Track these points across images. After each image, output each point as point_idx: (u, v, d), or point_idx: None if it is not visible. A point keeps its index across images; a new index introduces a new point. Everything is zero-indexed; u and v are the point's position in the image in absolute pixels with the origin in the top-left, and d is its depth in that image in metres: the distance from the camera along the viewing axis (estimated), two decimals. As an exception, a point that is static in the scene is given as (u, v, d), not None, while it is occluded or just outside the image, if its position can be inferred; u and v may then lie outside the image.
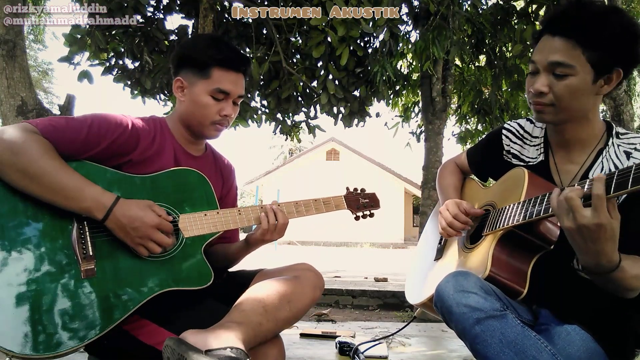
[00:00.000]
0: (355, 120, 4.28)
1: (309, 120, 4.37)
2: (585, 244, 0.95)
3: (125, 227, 1.16)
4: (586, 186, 0.94)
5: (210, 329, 1.05)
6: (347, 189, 1.61)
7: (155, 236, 1.19)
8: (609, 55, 1.09)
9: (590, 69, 1.10)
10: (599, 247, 0.94)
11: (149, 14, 3.65)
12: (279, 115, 4.44)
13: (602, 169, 1.17)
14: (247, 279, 1.42)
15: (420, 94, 5.01)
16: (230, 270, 1.52)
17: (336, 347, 2.09)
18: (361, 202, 1.59)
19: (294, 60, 4.06)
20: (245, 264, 1.55)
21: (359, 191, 1.61)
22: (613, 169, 1.14)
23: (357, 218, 1.60)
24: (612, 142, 1.19)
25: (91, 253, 1.16)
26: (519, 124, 1.39)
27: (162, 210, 1.23)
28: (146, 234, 1.17)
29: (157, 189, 1.29)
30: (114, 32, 3.60)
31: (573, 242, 0.97)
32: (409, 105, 5.82)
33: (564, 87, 1.10)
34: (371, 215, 1.62)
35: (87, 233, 1.17)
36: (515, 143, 1.37)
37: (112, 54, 3.82)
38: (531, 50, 1.28)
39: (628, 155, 1.15)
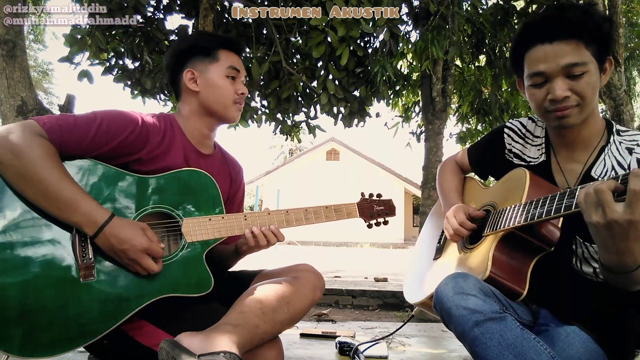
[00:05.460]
0: (355, 120, 4.27)
1: (309, 120, 4.37)
2: (612, 241, 0.89)
3: (114, 248, 1.14)
4: (620, 180, 0.87)
5: (206, 332, 1.05)
6: (362, 194, 1.56)
7: (142, 261, 1.16)
8: (603, 46, 1.13)
9: (596, 62, 1.13)
10: (626, 246, 0.88)
11: (149, 14, 3.65)
12: (279, 115, 4.43)
13: (604, 166, 1.17)
14: (247, 279, 1.41)
15: (420, 94, 5.01)
16: (230, 270, 1.52)
17: (336, 347, 2.09)
18: (375, 210, 1.54)
19: (294, 60, 4.05)
20: (246, 264, 1.54)
21: (374, 197, 1.56)
22: (616, 166, 1.14)
23: (369, 226, 1.55)
24: (613, 140, 1.19)
25: (91, 257, 1.15)
26: (520, 123, 1.39)
27: (155, 236, 1.20)
28: (134, 258, 1.15)
29: (162, 191, 1.27)
30: (114, 32, 3.59)
31: (599, 238, 0.92)
32: (409, 105, 5.81)
33: (585, 84, 1.11)
34: (385, 222, 1.56)
35: (88, 237, 1.16)
36: (517, 142, 1.37)
37: (112, 54, 3.82)
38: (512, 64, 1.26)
39: (630, 151, 1.15)
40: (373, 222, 1.55)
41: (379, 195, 1.57)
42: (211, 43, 1.41)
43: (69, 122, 1.18)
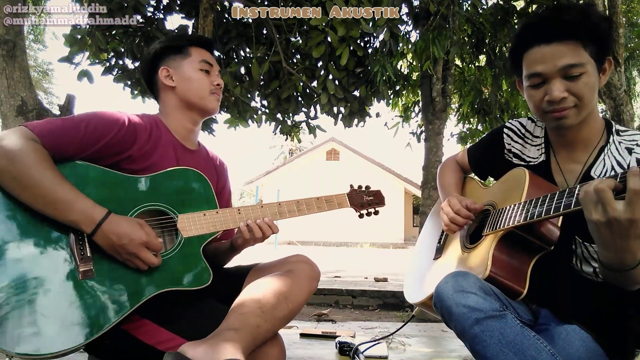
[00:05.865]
0: (355, 120, 4.27)
1: (309, 120, 4.37)
2: (612, 239, 0.90)
3: (113, 244, 1.15)
4: (618, 179, 0.88)
5: (208, 340, 1.04)
6: (351, 186, 1.61)
7: (141, 254, 1.17)
8: (602, 46, 1.12)
9: (594, 63, 1.12)
10: (626, 244, 0.89)
11: (149, 14, 3.65)
12: (279, 115, 4.43)
13: (603, 166, 1.17)
14: (243, 275, 1.42)
15: (420, 94, 5.01)
16: (225, 267, 1.53)
17: (336, 347, 2.09)
18: (365, 200, 1.58)
19: (294, 60, 4.05)
20: (243, 260, 1.55)
21: (363, 188, 1.61)
22: (615, 166, 1.14)
23: (360, 216, 1.60)
24: (613, 140, 1.19)
25: (89, 254, 1.16)
26: (520, 123, 1.39)
27: (152, 231, 1.21)
28: (133, 252, 1.16)
29: (156, 190, 1.28)
30: (114, 32, 3.60)
31: (598, 236, 0.92)
32: (409, 105, 5.81)
33: (583, 85, 1.11)
34: (376, 212, 1.60)
35: (85, 235, 1.16)
36: (516, 142, 1.37)
37: (112, 54, 3.82)
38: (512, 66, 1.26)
39: (630, 151, 1.15)
40: (364, 212, 1.59)
41: (367, 187, 1.62)
42: (182, 41, 1.49)
43: (58, 125, 1.20)
